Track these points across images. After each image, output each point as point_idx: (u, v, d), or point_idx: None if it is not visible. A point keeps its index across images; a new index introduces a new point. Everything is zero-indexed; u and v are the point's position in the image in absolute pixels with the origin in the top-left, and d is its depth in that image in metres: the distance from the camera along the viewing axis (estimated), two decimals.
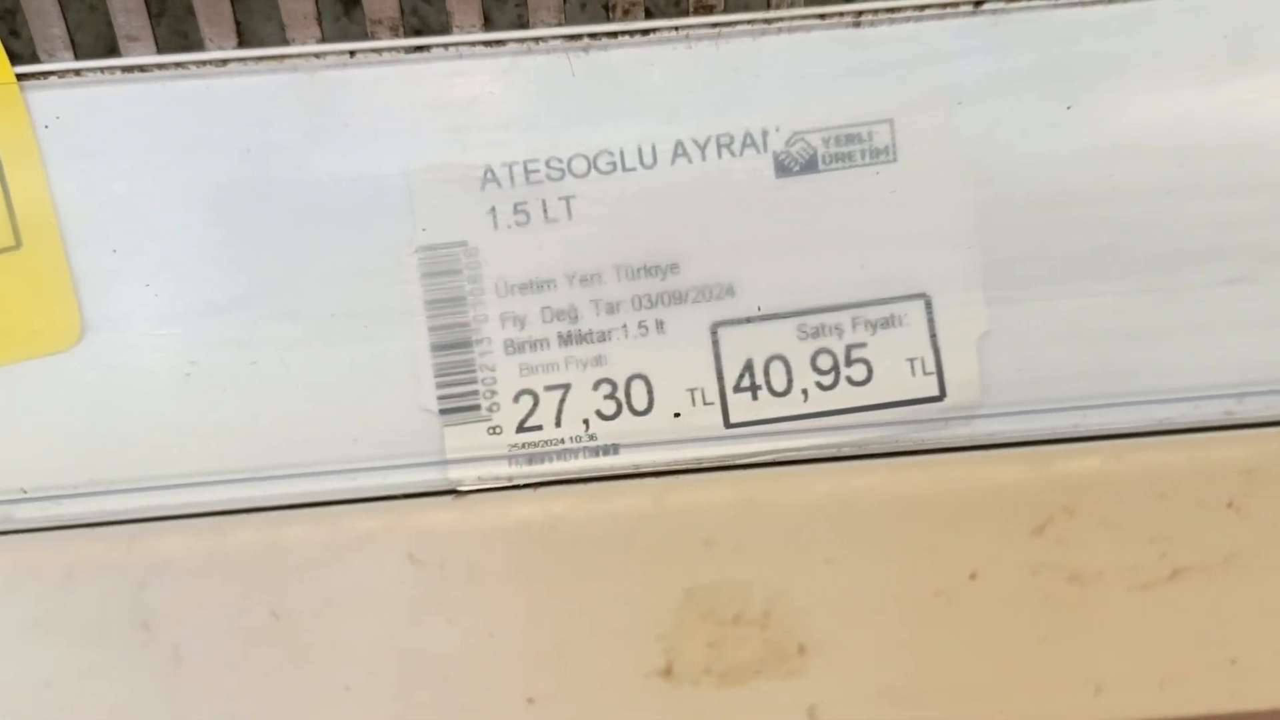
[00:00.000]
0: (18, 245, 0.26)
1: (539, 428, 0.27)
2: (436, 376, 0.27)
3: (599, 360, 0.27)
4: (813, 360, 0.27)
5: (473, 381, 0.27)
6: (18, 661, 0.24)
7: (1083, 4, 0.27)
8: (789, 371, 0.27)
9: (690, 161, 0.27)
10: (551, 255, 0.27)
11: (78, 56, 0.27)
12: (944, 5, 0.27)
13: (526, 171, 0.27)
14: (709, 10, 0.27)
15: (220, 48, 0.27)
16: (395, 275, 0.27)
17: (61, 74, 0.26)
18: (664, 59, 0.27)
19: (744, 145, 0.27)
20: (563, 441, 0.27)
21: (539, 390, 0.27)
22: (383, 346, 0.27)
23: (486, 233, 0.27)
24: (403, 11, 0.27)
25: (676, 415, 0.27)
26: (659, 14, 0.27)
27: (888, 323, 0.27)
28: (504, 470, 0.27)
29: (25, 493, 0.26)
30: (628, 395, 0.27)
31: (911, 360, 0.27)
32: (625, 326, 0.27)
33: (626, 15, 0.27)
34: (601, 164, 0.27)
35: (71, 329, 0.26)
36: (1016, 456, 0.25)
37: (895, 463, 0.25)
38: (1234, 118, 0.26)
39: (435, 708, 0.24)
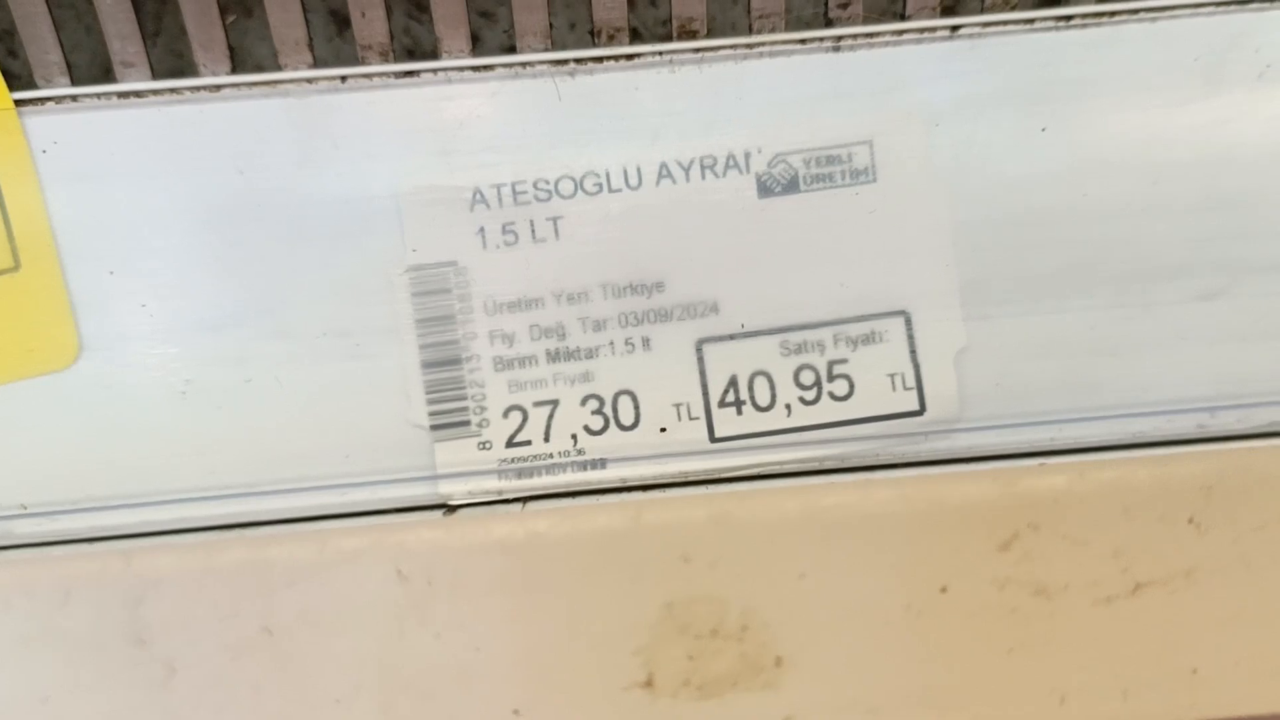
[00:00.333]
0: (16, 267, 0.27)
1: (528, 443, 0.27)
2: (427, 393, 0.27)
3: (586, 377, 0.27)
4: (795, 376, 0.27)
5: (463, 398, 0.27)
6: (15, 675, 0.24)
7: (1056, 28, 0.28)
8: (772, 387, 0.27)
9: (674, 182, 0.27)
10: (539, 274, 0.27)
11: (74, 81, 0.27)
12: (921, 30, 0.28)
13: (514, 192, 0.27)
14: (692, 35, 0.28)
15: (214, 73, 0.28)
16: (386, 294, 0.27)
17: (59, 100, 0.27)
18: (649, 83, 0.28)
19: (727, 167, 0.27)
20: (551, 456, 0.27)
21: (528, 406, 0.27)
22: (374, 364, 0.27)
23: (475, 252, 0.27)
24: (392, 35, 0.28)
25: (663, 430, 0.27)
26: (644, 39, 0.28)
27: (868, 339, 0.27)
28: (494, 484, 0.27)
29: (25, 508, 0.27)
30: (615, 411, 0.27)
31: (892, 376, 0.27)
32: (612, 343, 0.27)
33: (612, 40, 0.28)
34: (588, 185, 0.27)
35: (69, 348, 0.27)
36: (984, 474, 0.25)
37: (866, 480, 0.25)
38: (1203, 138, 0.27)
39: (424, 718, 0.24)
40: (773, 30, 0.28)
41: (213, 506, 0.27)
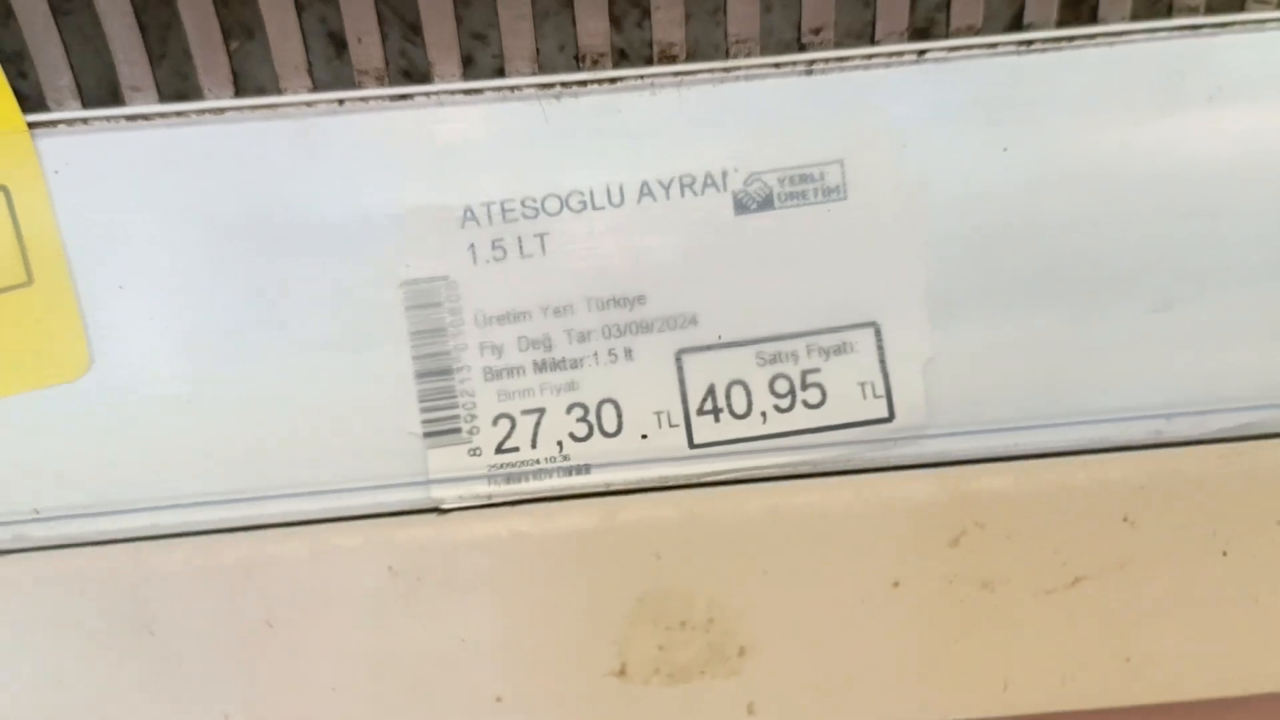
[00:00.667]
0: (29, 282, 0.28)
1: (516, 449, 0.29)
2: (420, 402, 0.29)
3: (571, 386, 0.29)
4: (771, 385, 0.29)
5: (454, 406, 0.29)
6: (35, 665, 0.26)
7: (1018, 52, 0.29)
8: (749, 395, 0.29)
9: (655, 200, 0.29)
10: (527, 288, 0.29)
11: (84, 105, 0.29)
12: (889, 54, 0.29)
13: (503, 210, 0.29)
14: (672, 60, 0.30)
15: (218, 96, 0.29)
16: (381, 308, 0.29)
17: (70, 122, 0.28)
18: (631, 106, 0.29)
19: (705, 185, 0.29)
20: (538, 462, 0.29)
21: (516, 414, 0.29)
22: (370, 374, 0.28)
23: (466, 268, 0.29)
24: (387, 60, 0.29)
25: (644, 437, 0.29)
26: (626, 63, 0.30)
27: (840, 349, 0.29)
28: (484, 489, 0.29)
29: (37, 513, 0.28)
30: (598, 418, 0.29)
31: (862, 384, 0.29)
32: (596, 354, 0.29)
33: (595, 65, 0.29)
34: (573, 203, 0.29)
35: (80, 360, 0.28)
36: (934, 476, 0.27)
37: (824, 482, 0.27)
38: (1157, 156, 0.28)
39: (413, 705, 0.26)
40: (749, 54, 0.29)
41: (216, 511, 0.28)
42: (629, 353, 0.29)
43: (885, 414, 0.29)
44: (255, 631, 0.25)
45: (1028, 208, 0.29)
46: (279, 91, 0.29)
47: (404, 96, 0.29)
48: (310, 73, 0.29)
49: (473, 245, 0.29)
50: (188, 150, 0.28)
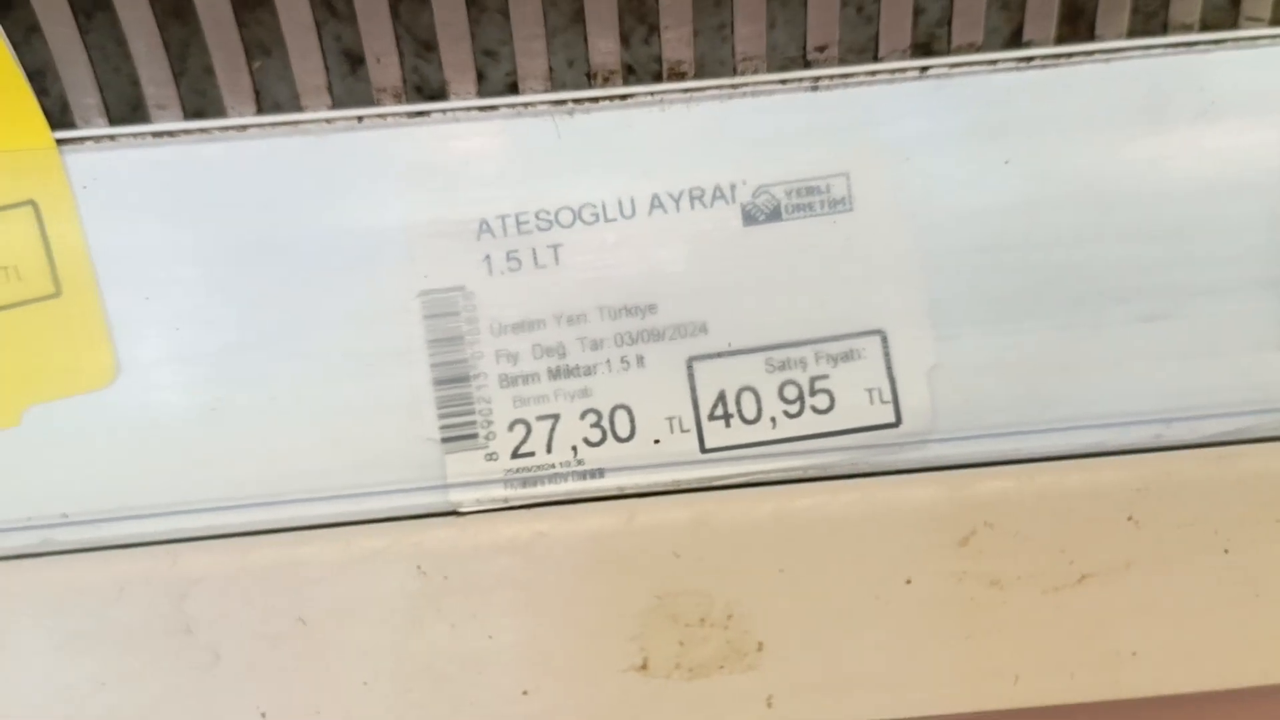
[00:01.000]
0: (58, 293, 0.29)
1: (532, 454, 0.29)
2: (438, 409, 0.29)
3: (585, 392, 0.30)
4: (780, 391, 0.30)
5: (471, 413, 0.29)
6: (75, 664, 0.27)
7: (1017, 69, 0.30)
8: (758, 401, 0.30)
9: (666, 213, 0.30)
10: (541, 298, 0.30)
11: (111, 122, 0.30)
12: (893, 71, 0.30)
13: (518, 223, 0.30)
14: (681, 77, 0.30)
15: (240, 114, 0.30)
16: (400, 318, 0.29)
17: (97, 139, 0.29)
18: (641, 121, 0.30)
19: (714, 197, 0.30)
20: (553, 466, 0.30)
21: (531, 420, 0.29)
22: (389, 382, 0.29)
23: (482, 278, 0.30)
24: (405, 78, 0.30)
25: (656, 442, 0.30)
26: (636, 80, 0.30)
27: (847, 356, 0.30)
28: (500, 493, 0.29)
29: (65, 517, 0.29)
30: (612, 424, 0.30)
31: (870, 390, 0.30)
32: (609, 361, 0.30)
33: (607, 82, 0.30)
34: (585, 216, 0.30)
35: (107, 369, 0.29)
36: (944, 479, 0.27)
37: (838, 485, 0.27)
38: (1151, 170, 0.29)
39: (443, 700, 0.26)
40: (756, 71, 0.30)
41: (239, 515, 0.29)
42: (641, 360, 0.30)
43: (892, 419, 0.30)
44: (289, 630, 0.26)
45: (1028, 219, 0.30)
46: (299, 109, 0.30)
47: (421, 113, 0.30)
48: (330, 91, 0.30)
49: (488, 256, 0.29)
50: (212, 165, 0.29)
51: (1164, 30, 0.31)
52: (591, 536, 0.27)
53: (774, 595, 0.27)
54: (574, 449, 0.30)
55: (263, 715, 0.26)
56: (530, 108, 0.30)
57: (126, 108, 0.30)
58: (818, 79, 0.30)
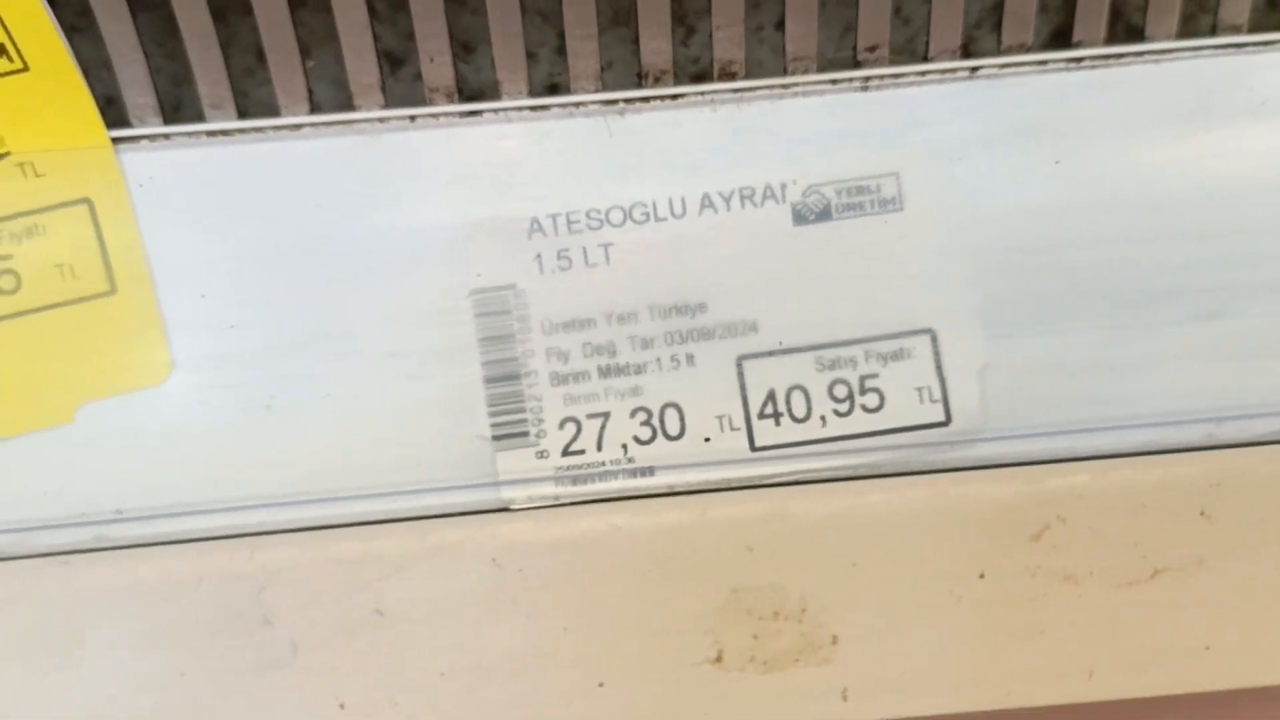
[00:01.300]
0: (113, 291, 0.29)
1: (582, 452, 0.30)
2: (489, 406, 0.30)
3: (635, 391, 0.30)
4: (830, 389, 0.30)
5: (521, 410, 0.30)
6: (157, 656, 0.27)
7: (1067, 69, 0.30)
8: (808, 400, 0.30)
9: (716, 212, 0.30)
10: (591, 297, 0.30)
11: (166, 121, 0.30)
12: (943, 70, 0.30)
13: (568, 222, 0.30)
14: (732, 77, 0.31)
15: (294, 113, 0.30)
16: (451, 316, 0.30)
17: (152, 138, 0.30)
18: (692, 121, 0.30)
19: (764, 197, 0.30)
20: (604, 464, 0.30)
21: (581, 418, 0.30)
22: (440, 380, 0.29)
23: (533, 277, 0.30)
24: (458, 77, 0.30)
25: (706, 440, 0.30)
26: (686, 80, 0.31)
27: (897, 355, 0.30)
28: (551, 490, 0.29)
29: (120, 513, 0.29)
30: (662, 422, 0.30)
31: (919, 389, 0.30)
32: (659, 360, 0.30)
33: (657, 82, 0.30)
34: (636, 215, 0.30)
35: (161, 367, 0.29)
36: (1017, 474, 0.28)
37: (910, 480, 0.28)
38: (1199, 170, 0.29)
39: (519, 691, 0.27)
40: (805, 71, 0.30)
41: (293, 512, 0.29)
42: (691, 359, 0.30)
43: (942, 418, 0.30)
44: (367, 621, 0.26)
45: (1079, 219, 0.30)
46: (353, 109, 0.30)
47: (473, 113, 0.30)
48: (383, 90, 0.30)
49: (539, 255, 0.30)
50: (265, 165, 0.29)
51: (1213, 31, 0.31)
52: (665, 530, 0.27)
53: (848, 589, 0.27)
54: (624, 447, 0.30)
55: (341, 706, 0.26)
56: (582, 108, 0.30)
57: (181, 107, 0.30)
58: (868, 79, 0.30)
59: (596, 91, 0.30)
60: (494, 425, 0.29)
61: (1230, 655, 0.27)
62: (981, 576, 0.27)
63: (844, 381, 0.30)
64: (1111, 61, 0.30)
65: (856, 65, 0.30)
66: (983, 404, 0.30)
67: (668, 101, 0.30)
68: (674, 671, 0.26)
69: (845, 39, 0.31)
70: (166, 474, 0.29)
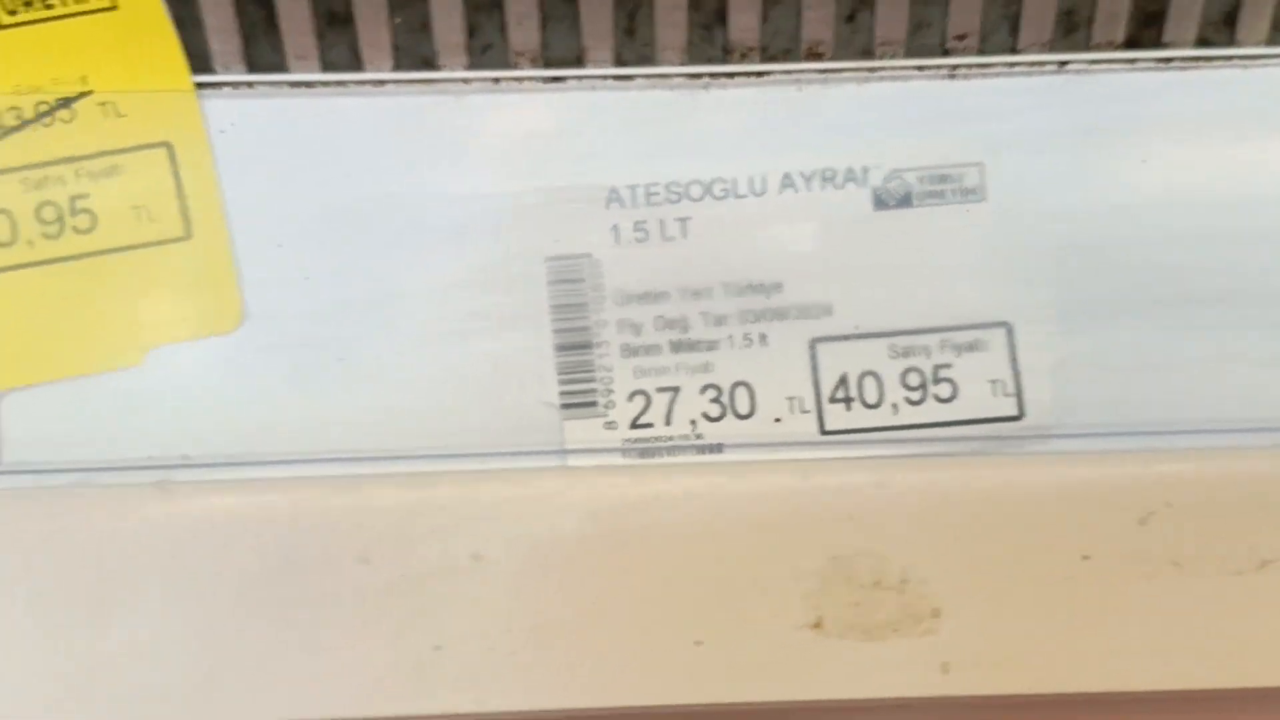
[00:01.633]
0: (188, 237, 0.29)
1: (650, 425, 0.29)
2: (559, 374, 0.29)
3: (706, 367, 0.30)
4: (902, 377, 0.29)
5: (591, 380, 0.29)
6: (260, 595, 0.27)
7: (1156, 69, 0.30)
8: (880, 386, 0.29)
9: (796, 192, 0.30)
10: (666, 270, 0.30)
11: (251, 70, 0.30)
12: (1031, 63, 0.30)
13: (647, 194, 0.30)
14: (818, 57, 0.30)
15: (378, 69, 0.30)
16: (526, 281, 0.29)
17: (235, 85, 0.29)
18: (776, 99, 0.30)
19: (845, 180, 0.30)
20: (671, 439, 0.29)
21: (651, 391, 0.29)
22: (512, 345, 0.29)
23: (609, 247, 0.30)
24: (544, 43, 0.30)
25: (776, 420, 0.29)
26: (773, 59, 0.30)
27: (972, 346, 0.29)
28: (618, 461, 0.29)
29: (186, 459, 0.29)
30: (732, 400, 0.29)
31: (993, 382, 0.29)
32: (731, 338, 0.30)
33: (744, 59, 0.30)
34: (716, 190, 0.30)
35: (233, 314, 0.29)
36: (1126, 458, 0.27)
37: (1015, 459, 0.27)
38: None
39: (616, 644, 0.26)
40: (893, 56, 0.30)
41: (362, 467, 0.29)
42: (764, 338, 0.30)
43: (1015, 412, 0.29)
44: (464, 566, 0.26)
45: (1161, 218, 0.29)
46: (437, 68, 0.30)
47: (557, 79, 0.30)
48: (468, 51, 0.30)
49: (616, 225, 0.29)
50: (347, 119, 0.29)
51: None
52: (767, 494, 0.27)
53: (950, 563, 0.27)
54: (693, 423, 0.29)
55: (437, 648, 0.26)
56: (666, 79, 0.30)
57: (265, 56, 0.30)
58: (955, 67, 0.30)
59: (682, 64, 0.30)
60: (563, 393, 0.29)
61: None
62: (1086, 558, 0.26)
63: (917, 370, 0.29)
64: (1201, 64, 0.30)
65: (945, 53, 0.30)
66: (1056, 400, 0.29)
67: (753, 79, 0.30)
68: (772, 634, 0.26)
69: (933, 27, 0.30)
70: (233, 423, 0.29)
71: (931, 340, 0.30)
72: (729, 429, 0.29)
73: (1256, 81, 0.30)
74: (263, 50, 0.30)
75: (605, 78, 0.30)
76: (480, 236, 0.29)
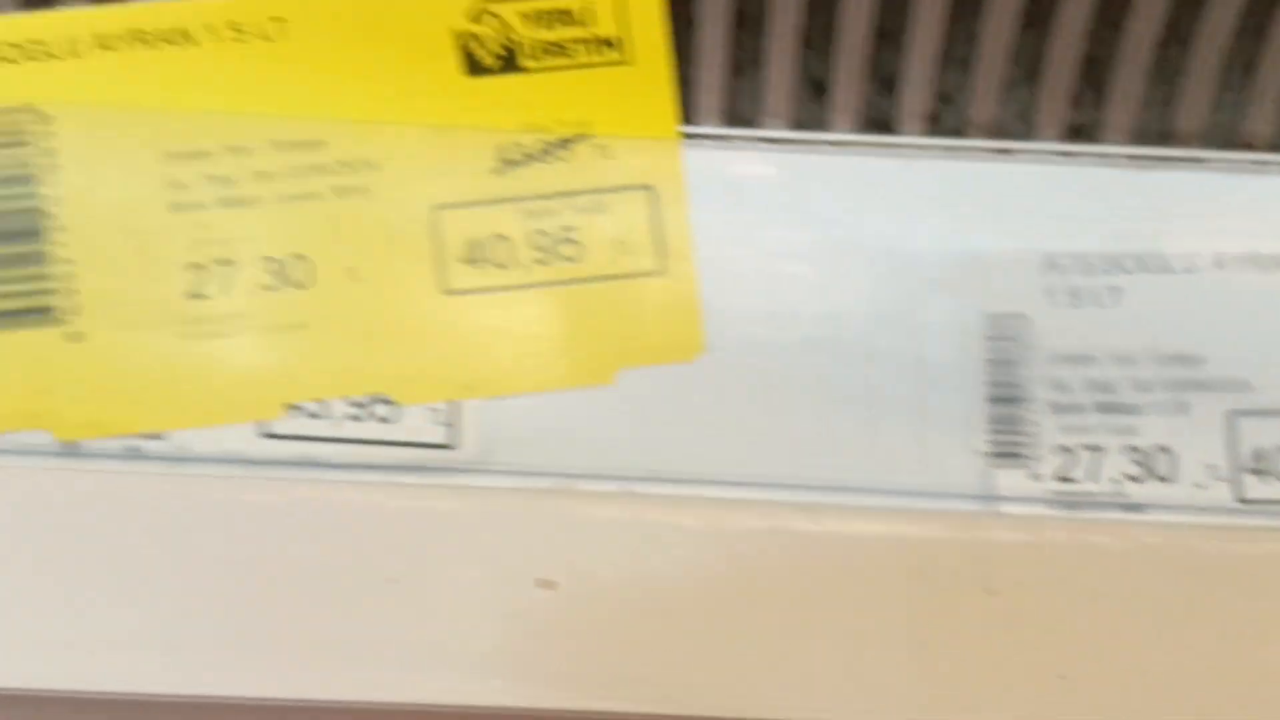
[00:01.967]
0: (660, 272, 0.32)
1: (1075, 480, 0.31)
2: (989, 424, 0.32)
3: (1130, 430, 0.31)
4: None
5: (1020, 433, 0.32)
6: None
7: None
8: None
9: (1223, 270, 0.31)
10: (1096, 335, 0.32)
11: (726, 124, 0.33)
12: None
13: (1084, 262, 0.32)
14: (1249, 148, 0.32)
15: (840, 131, 0.33)
16: (963, 335, 0.32)
17: (714, 137, 0.32)
18: (1211, 185, 0.32)
19: (1273, 264, 0.31)
20: (1095, 495, 0.31)
21: (1076, 448, 0.31)
22: (945, 394, 0.32)
23: (1043, 309, 0.32)
24: (998, 114, 0.32)
25: (1196, 485, 0.31)
26: (1213, 146, 0.32)
27: None
28: (1045, 512, 0.31)
29: (654, 474, 0.32)
30: (1152, 463, 0.31)
31: None
32: (1154, 404, 0.31)
33: (1185, 143, 0.32)
34: (1149, 264, 0.32)
35: (695, 345, 0.32)
36: None
37: None
38: None
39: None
40: None
41: (798, 495, 0.32)
42: (1185, 407, 0.31)
43: None
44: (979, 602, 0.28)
45: None
46: (892, 133, 0.33)
47: (1004, 151, 0.32)
48: (924, 118, 0.32)
49: (1051, 289, 0.32)
50: (811, 175, 0.32)
51: None
52: (1190, 556, 0.29)
53: None
54: (1115, 482, 0.31)
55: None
56: (1107, 159, 0.32)
57: (745, 110, 0.33)
58: None
59: (1124, 144, 0.32)
60: (992, 443, 0.32)
61: None
62: None
63: None
64: None
65: None
66: None
67: (1191, 164, 0.32)
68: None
69: None
70: (693, 444, 0.32)
71: None
72: (1150, 491, 0.31)
73: None
74: (744, 104, 0.33)
75: (1050, 153, 0.32)
76: (923, 290, 0.32)
